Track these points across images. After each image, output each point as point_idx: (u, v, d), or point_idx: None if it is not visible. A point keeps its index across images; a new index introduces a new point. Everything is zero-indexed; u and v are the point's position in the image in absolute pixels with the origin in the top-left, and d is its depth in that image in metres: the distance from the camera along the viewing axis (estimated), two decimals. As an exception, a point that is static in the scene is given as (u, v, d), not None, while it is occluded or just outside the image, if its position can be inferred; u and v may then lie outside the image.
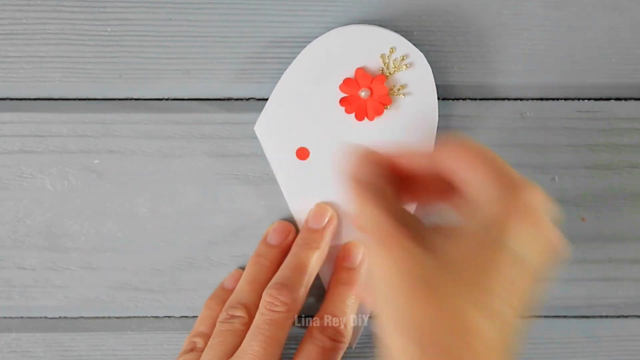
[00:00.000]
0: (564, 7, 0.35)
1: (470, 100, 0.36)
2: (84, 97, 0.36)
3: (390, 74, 0.33)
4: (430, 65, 0.33)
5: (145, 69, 0.36)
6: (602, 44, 0.36)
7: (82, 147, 0.36)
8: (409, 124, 0.34)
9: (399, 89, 0.34)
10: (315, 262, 0.34)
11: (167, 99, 0.36)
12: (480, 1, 0.35)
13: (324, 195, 0.35)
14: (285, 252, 0.35)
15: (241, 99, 0.36)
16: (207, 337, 0.34)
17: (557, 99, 0.36)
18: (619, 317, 0.38)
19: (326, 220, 0.35)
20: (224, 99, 0.36)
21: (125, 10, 0.35)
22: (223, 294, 0.36)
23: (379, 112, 0.34)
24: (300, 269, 0.33)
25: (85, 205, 0.36)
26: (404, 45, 0.33)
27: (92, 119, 0.36)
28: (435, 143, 0.34)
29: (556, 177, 0.36)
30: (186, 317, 0.38)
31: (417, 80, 0.34)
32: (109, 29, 0.35)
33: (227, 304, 0.34)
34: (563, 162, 0.36)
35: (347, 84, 0.33)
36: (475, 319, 0.23)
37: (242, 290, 0.34)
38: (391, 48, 0.33)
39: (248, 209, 0.37)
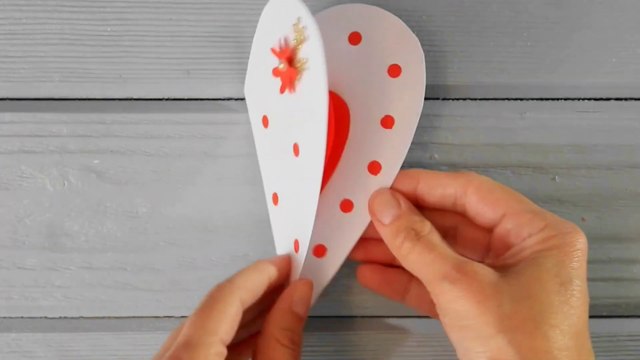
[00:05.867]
0: (564, 6, 0.35)
1: (470, 100, 0.36)
2: (84, 97, 0.36)
3: (297, 45, 0.31)
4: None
5: (145, 69, 0.36)
6: (602, 44, 0.36)
7: (82, 147, 0.36)
8: (310, 99, 0.31)
9: (303, 63, 0.31)
10: None
11: (167, 99, 0.36)
12: (480, 1, 0.35)
13: (282, 161, 0.34)
14: None
15: (241, 99, 0.36)
16: None
17: (557, 99, 0.36)
18: (619, 317, 0.38)
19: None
20: (223, 99, 0.36)
21: (125, 10, 0.35)
22: None
23: (292, 86, 0.32)
24: None
25: (85, 205, 0.36)
26: (305, 17, 0.30)
27: (92, 119, 0.36)
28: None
29: (556, 177, 0.36)
30: (186, 317, 0.38)
31: (313, 54, 0.30)
32: (109, 29, 0.35)
33: None
34: (563, 162, 0.36)
35: (273, 54, 0.32)
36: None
37: None
38: (298, 18, 0.30)
39: (248, 209, 0.36)
